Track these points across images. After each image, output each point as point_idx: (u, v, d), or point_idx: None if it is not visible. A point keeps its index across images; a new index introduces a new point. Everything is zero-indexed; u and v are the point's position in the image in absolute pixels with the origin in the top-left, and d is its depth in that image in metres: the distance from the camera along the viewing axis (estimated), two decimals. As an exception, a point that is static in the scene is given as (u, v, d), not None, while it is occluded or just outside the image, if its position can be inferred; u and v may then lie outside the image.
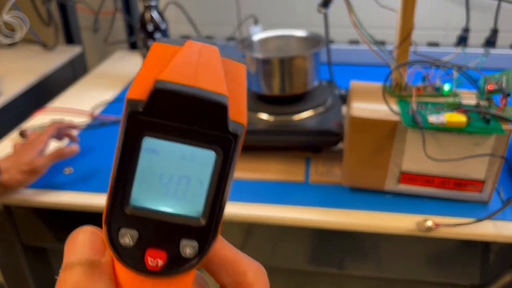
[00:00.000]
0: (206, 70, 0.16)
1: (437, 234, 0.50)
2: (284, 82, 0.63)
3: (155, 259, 0.16)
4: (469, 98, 0.53)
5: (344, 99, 0.72)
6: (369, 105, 0.53)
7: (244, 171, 0.61)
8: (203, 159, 0.16)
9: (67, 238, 0.17)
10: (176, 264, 0.16)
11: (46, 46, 1.07)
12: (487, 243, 0.53)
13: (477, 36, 0.98)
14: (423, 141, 0.49)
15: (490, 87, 0.51)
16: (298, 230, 0.57)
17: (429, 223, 0.49)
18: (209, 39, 1.09)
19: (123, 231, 0.16)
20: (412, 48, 0.55)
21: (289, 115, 0.63)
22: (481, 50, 0.94)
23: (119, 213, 0.16)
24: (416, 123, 0.48)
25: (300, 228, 0.56)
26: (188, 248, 0.16)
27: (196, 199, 0.16)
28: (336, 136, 0.60)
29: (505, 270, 0.54)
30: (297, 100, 0.66)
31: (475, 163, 0.51)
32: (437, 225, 0.49)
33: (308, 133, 0.61)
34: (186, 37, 1.11)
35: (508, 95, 0.49)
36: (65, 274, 0.16)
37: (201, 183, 0.16)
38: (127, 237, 0.16)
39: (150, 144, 0.16)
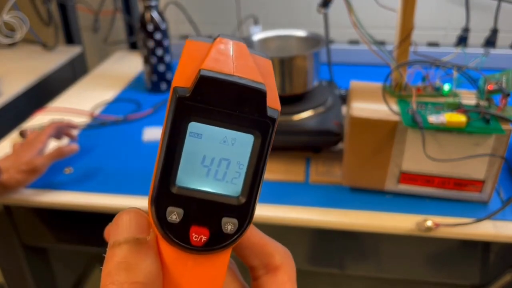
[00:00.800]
0: (242, 61, 0.17)
1: (437, 234, 0.50)
2: (284, 82, 0.63)
3: (199, 235, 0.18)
4: (469, 98, 0.53)
5: (344, 99, 0.72)
6: (369, 105, 0.53)
7: (244, 171, 0.61)
8: (242, 143, 0.17)
9: (112, 220, 0.18)
10: (217, 241, 0.18)
11: (46, 46, 1.07)
12: (487, 243, 0.53)
13: (477, 36, 0.98)
14: (423, 141, 0.49)
15: (490, 87, 0.51)
16: (298, 230, 0.57)
17: (429, 223, 0.49)
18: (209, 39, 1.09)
19: (170, 209, 0.17)
20: (412, 48, 0.55)
21: (289, 115, 0.63)
22: (481, 50, 0.94)
23: (166, 192, 0.17)
24: (416, 123, 0.48)
25: (300, 228, 0.56)
26: (229, 225, 0.18)
27: (236, 180, 0.18)
28: (336, 136, 0.60)
29: (505, 270, 0.54)
30: (297, 100, 0.66)
31: (475, 163, 0.51)
32: (437, 225, 0.49)
33: (308, 133, 0.61)
34: (186, 37, 1.11)
35: (508, 95, 0.49)
36: (113, 251, 0.17)
37: (240, 165, 0.18)
38: (174, 215, 0.17)
39: (195, 129, 0.17)
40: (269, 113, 0.17)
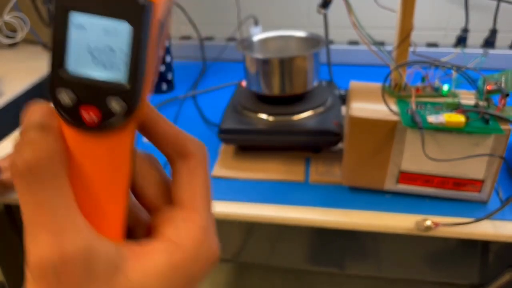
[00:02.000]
0: None
1: (436, 234, 0.50)
2: (284, 82, 0.63)
3: (90, 114, 0.20)
4: (468, 98, 0.53)
5: (343, 99, 0.73)
6: (369, 105, 0.53)
7: (244, 171, 0.61)
8: (121, 31, 0.19)
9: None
10: (109, 121, 0.20)
11: (47, 47, 1.07)
12: (486, 243, 0.54)
13: (476, 37, 0.98)
14: (422, 141, 0.49)
15: (489, 87, 0.51)
16: (298, 230, 0.57)
17: (428, 223, 0.49)
18: (209, 39, 1.09)
19: (61, 91, 0.20)
20: (411, 49, 0.55)
21: (289, 115, 0.63)
22: (480, 51, 0.94)
23: (58, 77, 0.19)
24: (415, 123, 0.48)
25: (300, 228, 0.56)
26: (116, 105, 0.20)
27: (121, 67, 0.20)
28: (336, 136, 0.61)
29: (504, 269, 0.54)
30: (297, 100, 0.66)
31: (474, 163, 0.51)
32: (436, 225, 0.50)
33: (308, 133, 0.61)
34: (186, 38, 1.11)
35: (507, 95, 0.49)
36: (22, 137, 0.19)
37: (123, 53, 0.19)
38: (66, 97, 0.19)
39: (76, 18, 0.19)
40: (141, 1, 0.19)
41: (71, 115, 0.20)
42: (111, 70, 0.19)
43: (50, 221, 0.18)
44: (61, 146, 0.19)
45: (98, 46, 0.19)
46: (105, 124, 0.20)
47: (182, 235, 0.21)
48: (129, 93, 0.19)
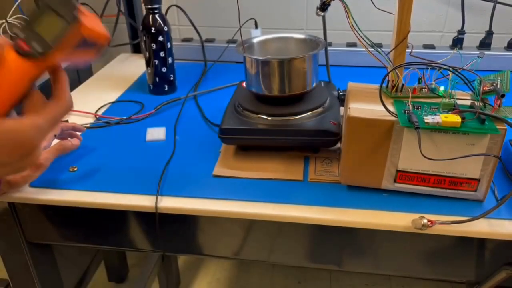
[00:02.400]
0: None
1: (433, 232, 0.51)
2: (283, 83, 0.64)
3: (24, 45, 0.38)
4: (464, 99, 0.54)
5: (342, 100, 0.74)
6: (366, 106, 0.54)
7: (244, 170, 0.62)
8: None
9: None
10: (30, 52, 0.38)
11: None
12: (482, 241, 0.54)
13: (472, 38, 0.99)
14: (419, 141, 0.50)
15: (485, 88, 0.52)
16: (297, 228, 0.58)
17: (425, 221, 0.50)
18: (210, 41, 1.10)
19: (18, 32, 0.38)
20: (408, 50, 0.56)
21: (289, 116, 0.64)
22: (476, 52, 0.95)
23: (23, 26, 0.38)
24: (412, 123, 0.49)
25: (299, 226, 0.57)
26: (36, 46, 0.38)
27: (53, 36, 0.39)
28: (334, 136, 0.62)
29: (500, 267, 0.55)
30: (296, 101, 0.67)
31: (470, 162, 0.52)
32: (432, 223, 0.50)
33: (307, 133, 0.62)
34: (188, 40, 1.12)
35: (503, 96, 0.50)
36: None
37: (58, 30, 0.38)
38: (19, 34, 0.38)
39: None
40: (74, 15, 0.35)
41: (17, 43, 0.38)
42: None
43: None
44: None
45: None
46: (27, 52, 0.38)
47: (24, 120, 0.38)
48: (44, 47, 0.37)
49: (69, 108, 0.42)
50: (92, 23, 0.39)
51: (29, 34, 0.38)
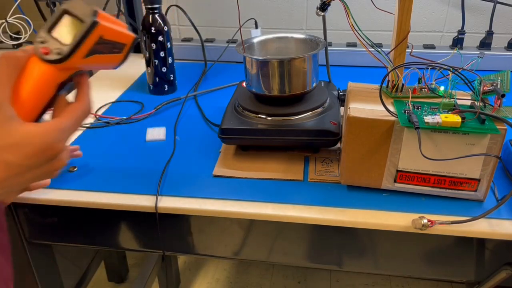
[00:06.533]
0: None
1: (433, 232, 0.51)
2: (283, 83, 0.64)
3: (44, 50, 0.38)
4: (464, 99, 0.54)
5: (342, 100, 0.74)
6: (366, 106, 0.54)
7: (244, 170, 0.62)
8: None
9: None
10: (51, 57, 0.38)
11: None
12: (482, 241, 0.54)
13: (473, 38, 0.99)
14: (419, 141, 0.50)
15: (485, 88, 0.52)
16: (297, 228, 0.58)
17: (425, 221, 0.50)
18: (210, 41, 1.10)
19: (43, 38, 0.39)
20: (408, 50, 0.56)
21: (289, 116, 0.64)
22: (476, 52, 0.95)
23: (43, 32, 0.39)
24: (412, 123, 0.49)
25: (299, 226, 0.57)
26: (55, 52, 0.39)
27: (71, 40, 0.39)
28: (334, 136, 0.62)
29: (499, 267, 0.55)
30: (296, 101, 0.67)
31: (470, 162, 0.52)
32: (432, 223, 0.50)
33: (307, 133, 0.62)
34: (188, 40, 1.12)
35: (503, 96, 0.50)
36: None
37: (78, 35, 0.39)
38: (40, 39, 0.39)
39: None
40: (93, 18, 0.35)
41: (39, 50, 0.38)
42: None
43: None
44: (14, 67, 0.37)
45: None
46: (49, 57, 0.38)
47: (46, 126, 0.38)
48: (65, 51, 0.38)
49: (90, 111, 0.43)
50: (112, 25, 0.39)
51: (49, 40, 0.38)
